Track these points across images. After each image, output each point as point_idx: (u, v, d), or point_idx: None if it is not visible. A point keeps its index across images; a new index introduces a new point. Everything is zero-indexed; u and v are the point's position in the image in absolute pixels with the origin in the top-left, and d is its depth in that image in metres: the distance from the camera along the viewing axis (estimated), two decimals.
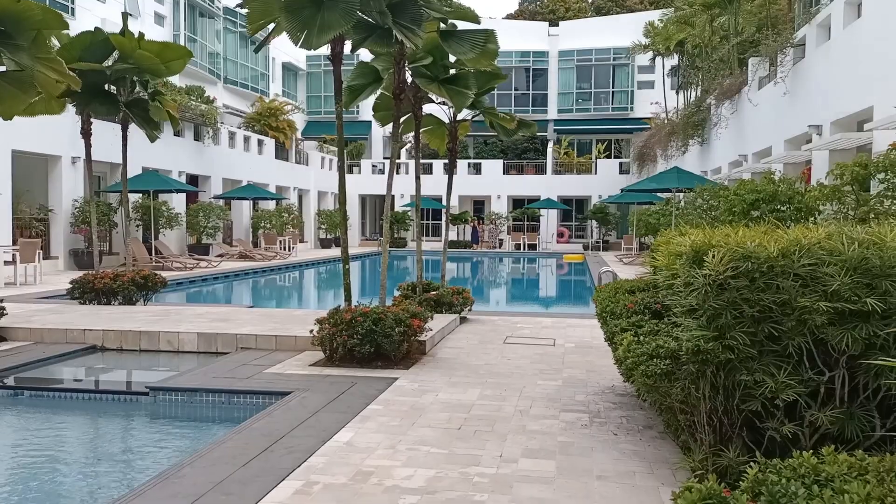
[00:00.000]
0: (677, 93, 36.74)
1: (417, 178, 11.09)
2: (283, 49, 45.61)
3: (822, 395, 3.90)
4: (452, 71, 10.32)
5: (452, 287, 11.35)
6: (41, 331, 8.98)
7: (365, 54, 10.49)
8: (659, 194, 27.91)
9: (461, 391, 6.52)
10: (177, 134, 27.43)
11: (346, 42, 8.11)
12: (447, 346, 8.87)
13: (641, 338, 4.33)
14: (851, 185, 8.60)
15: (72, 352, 8.46)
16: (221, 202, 30.47)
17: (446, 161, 46.06)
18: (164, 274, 20.20)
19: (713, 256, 3.89)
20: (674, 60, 37.21)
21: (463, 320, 11.18)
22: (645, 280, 6.27)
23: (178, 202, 26.41)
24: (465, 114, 11.53)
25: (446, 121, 11.54)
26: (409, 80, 10.14)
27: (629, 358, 4.15)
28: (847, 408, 3.84)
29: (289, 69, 47.51)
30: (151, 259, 22.27)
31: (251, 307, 12.84)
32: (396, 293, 11.38)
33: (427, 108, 11.46)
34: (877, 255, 3.73)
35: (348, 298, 8.13)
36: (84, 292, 11.59)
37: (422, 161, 45.27)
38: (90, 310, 10.95)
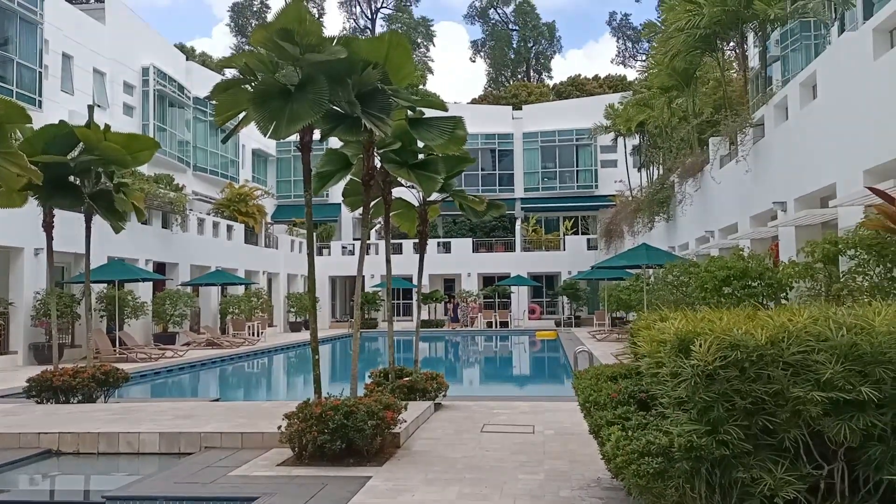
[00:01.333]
0: (639, 171, 37.69)
1: (388, 261, 10.94)
2: (253, 136, 46.11)
3: (822, 490, 3.70)
4: (421, 156, 10.35)
5: (426, 372, 11.04)
6: None
7: (334, 141, 10.55)
8: (629, 270, 28.16)
9: (439, 490, 6.17)
10: (144, 222, 27.18)
11: (314, 131, 8.08)
12: (422, 437, 8.51)
13: (630, 432, 4.12)
14: (823, 262, 8.66)
15: (24, 458, 7.92)
16: (189, 289, 29.95)
17: (416, 241, 46.05)
18: (129, 366, 19.56)
19: (700, 346, 3.74)
20: (635, 140, 38.33)
21: (438, 407, 10.83)
22: (626, 365, 6.09)
23: (144, 291, 25.85)
24: (434, 196, 11.53)
25: (416, 204, 11.50)
26: (379, 165, 10.15)
27: (619, 456, 3.93)
28: (850, 503, 3.64)
29: (259, 155, 47.89)
30: (115, 351, 21.56)
31: (217, 400, 12.33)
32: (368, 380, 11.03)
33: (397, 192, 11.44)
34: (866, 341, 3.62)
35: (318, 390, 7.80)
36: (41, 390, 11.03)
37: (391, 241, 45.42)
38: (47, 410, 10.39)
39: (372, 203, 11.41)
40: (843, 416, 3.54)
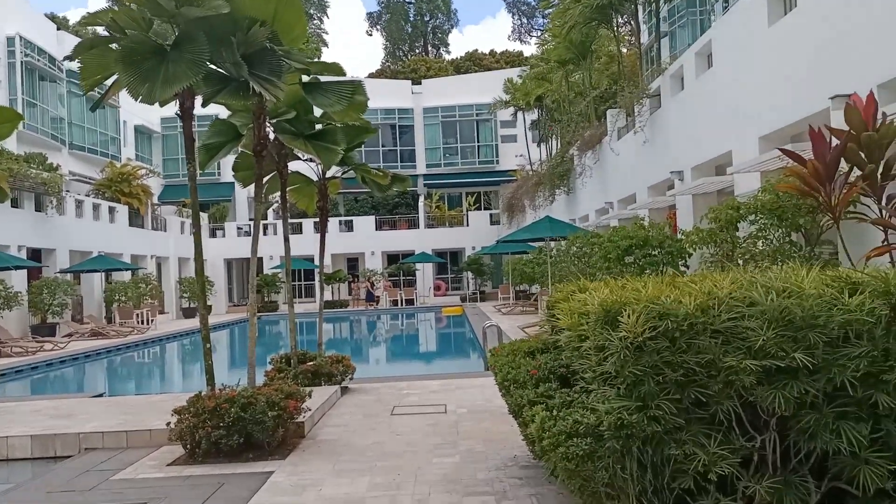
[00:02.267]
0: (539, 145, 38.11)
1: (286, 239, 10.29)
2: (135, 111, 43.34)
3: (755, 462, 3.52)
4: (319, 126, 9.72)
5: (331, 355, 10.52)
6: None
7: (224, 112, 9.75)
8: (532, 243, 28.41)
9: (348, 482, 5.73)
10: (14, 205, 24.94)
11: (196, 97, 7.33)
12: (329, 425, 8.02)
13: (555, 412, 3.81)
14: (726, 227, 8.75)
15: None
16: (69, 276, 27.86)
17: (317, 220, 44.71)
18: (3, 361, 17.92)
19: (629, 316, 3.46)
20: (534, 115, 38.64)
21: (345, 391, 10.35)
22: (542, 340, 5.83)
23: (18, 280, 23.78)
24: (334, 170, 10.93)
25: (315, 178, 10.86)
26: (272, 136, 9.46)
27: (545, 438, 3.61)
28: (782, 475, 3.48)
29: (142, 132, 45.12)
30: None
31: (101, 395, 11.34)
32: (269, 367, 10.40)
33: (293, 166, 10.78)
34: (797, 304, 3.43)
35: (211, 381, 7.15)
36: None
37: (290, 221, 44.15)
38: None
39: (266, 178, 10.69)
40: (776, 384, 3.35)
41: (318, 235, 11.06)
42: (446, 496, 5.21)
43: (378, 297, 39.82)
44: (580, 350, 4.20)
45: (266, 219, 43.70)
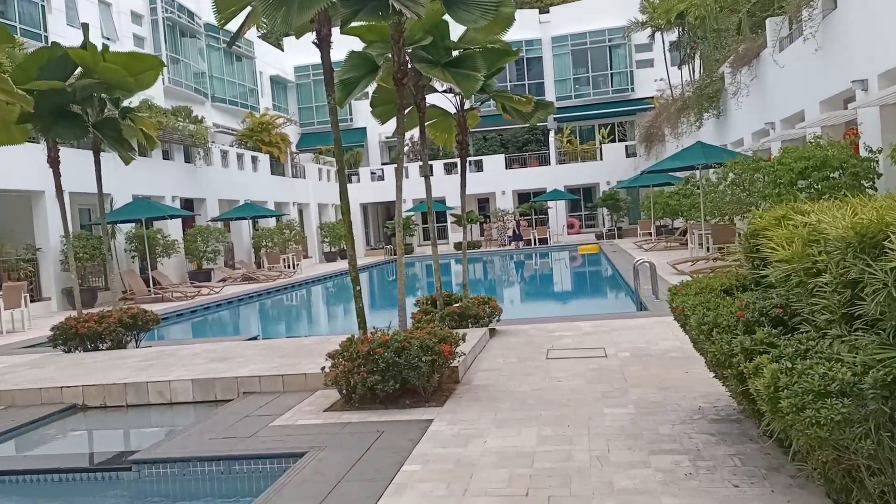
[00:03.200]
0: (680, 68, 35.40)
1: (426, 176, 9.83)
2: (269, 62, 44.50)
3: None
4: (456, 53, 9.05)
5: (476, 296, 10.07)
6: (11, 393, 7.75)
7: (356, 44, 9.30)
8: (677, 174, 26.61)
9: (514, 432, 5.25)
10: (166, 157, 26.31)
11: (332, 24, 6.86)
12: (482, 370, 7.60)
13: (788, 363, 3.05)
14: None
15: (46, 416, 7.22)
16: (220, 224, 29.30)
17: (446, 161, 44.94)
18: (164, 305, 19.07)
19: None
20: (673, 35, 35.85)
21: (492, 333, 9.91)
22: (736, 274, 4.98)
23: (174, 228, 25.21)
24: (473, 101, 10.28)
25: (452, 111, 10.26)
26: (409, 65, 8.91)
27: (786, 398, 2.87)
28: None
29: (277, 82, 46.37)
30: (150, 291, 21.10)
31: (255, 338, 11.60)
32: (415, 309, 10.13)
33: (429, 100, 10.23)
34: None
35: (363, 325, 6.87)
36: (67, 339, 10.35)
37: (423, 163, 44.05)
38: (73, 359, 9.72)
39: (405, 112, 10.23)
40: None
41: (449, 177, 10.59)
42: (629, 452, 4.60)
43: (525, 237, 39.15)
44: (807, 287, 3.38)
45: (403, 152, 43.84)
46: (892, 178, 10.98)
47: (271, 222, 33.07)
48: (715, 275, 5.72)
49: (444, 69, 8.73)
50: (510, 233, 39.36)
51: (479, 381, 7.04)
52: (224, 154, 30.61)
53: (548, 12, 48.91)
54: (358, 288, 6.96)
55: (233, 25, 7.57)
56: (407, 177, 42.18)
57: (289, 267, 30.40)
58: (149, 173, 24.40)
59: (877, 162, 11.10)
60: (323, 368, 6.48)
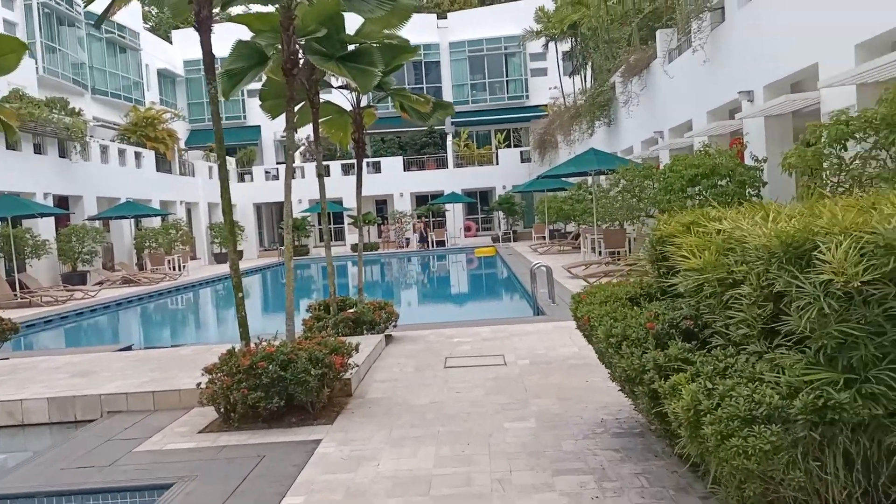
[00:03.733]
0: (571, 77, 36.27)
1: (320, 175, 9.31)
2: (158, 54, 42.23)
3: None
4: (353, 47, 8.59)
5: (372, 301, 9.63)
6: None
7: (244, 33, 8.66)
8: (570, 179, 27.10)
9: (410, 453, 4.85)
10: (38, 152, 24.25)
11: (213, 5, 6.25)
12: (377, 380, 7.17)
13: (707, 384, 2.81)
14: (832, 146, 7.52)
15: None
16: (98, 224, 27.34)
17: (344, 161, 44.16)
18: (31, 311, 17.45)
19: (832, 251, 2.41)
20: (567, 45, 36.71)
21: (388, 339, 9.50)
22: (640, 282, 4.80)
23: (45, 228, 23.25)
24: (368, 99, 9.84)
25: (349, 108, 9.77)
26: (301, 57, 8.38)
27: (710, 424, 2.61)
28: None
29: (165, 76, 44.04)
30: (15, 295, 19.28)
31: (129, 348, 10.64)
32: (306, 315, 9.58)
33: (324, 97, 9.72)
34: None
35: (245, 336, 6.29)
36: None
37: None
38: None
39: (297, 107, 9.66)
40: None
41: (346, 178, 10.10)
42: (531, 474, 4.30)
43: (429, 238, 38.91)
44: (721, 298, 3.18)
45: (295, 151, 42.58)
46: (775, 186, 11.39)
47: (156, 222, 31.26)
48: (615, 280, 5.55)
49: (340, 63, 8.25)
50: (418, 235, 39.07)
51: (374, 394, 6.60)
52: (104, 149, 28.62)
53: (445, 18, 49.05)
54: (240, 295, 6.36)
55: (99, 6, 6.82)
56: (303, 177, 41.08)
57: (174, 269, 28.80)
58: (18, 168, 22.42)
59: (761, 171, 11.51)
60: (199, 385, 5.85)
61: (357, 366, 6.69)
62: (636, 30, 22.72)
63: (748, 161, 11.90)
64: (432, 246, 38.58)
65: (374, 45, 8.59)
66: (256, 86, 9.38)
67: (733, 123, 13.23)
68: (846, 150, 7.53)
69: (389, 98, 9.64)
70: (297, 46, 7.57)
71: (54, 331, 16.11)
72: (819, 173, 7.69)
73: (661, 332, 3.63)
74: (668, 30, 17.27)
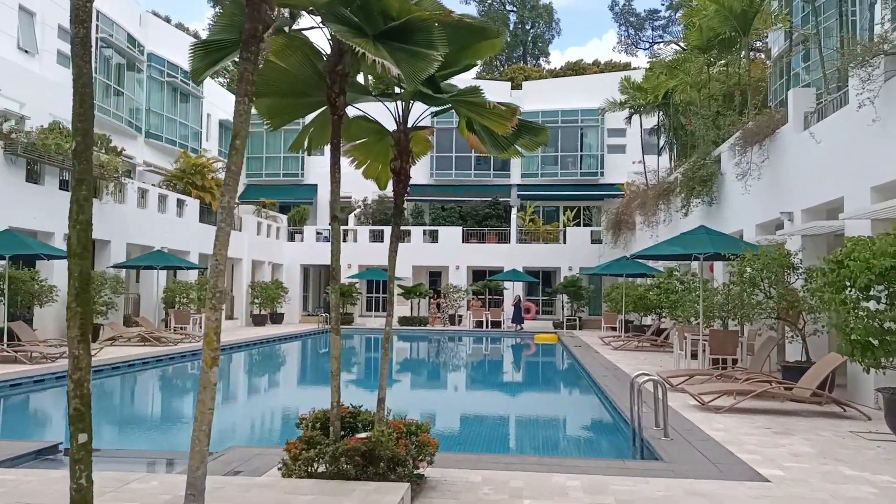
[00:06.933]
0: (659, 154, 32.99)
1: (335, 217, 6.06)
2: (221, 105, 41.05)
3: None
4: (397, 20, 5.47)
5: (398, 422, 6.16)
6: None
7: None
8: (657, 266, 23.42)
9: None
10: (64, 188, 22.09)
11: None
12: None
13: None
14: None
15: None
16: (123, 273, 24.89)
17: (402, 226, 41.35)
18: (18, 368, 14.69)
19: None
20: (652, 121, 33.62)
21: (417, 484, 5.98)
22: None
23: (58, 272, 20.78)
24: (421, 117, 6.66)
25: (391, 128, 6.59)
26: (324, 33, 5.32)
27: None
28: None
29: (227, 128, 42.74)
30: (2, 347, 16.53)
31: (52, 449, 7.36)
32: (299, 429, 6.21)
33: (354, 110, 6.63)
34: None
35: None
36: None
37: (373, 227, 40.05)
38: None
39: (311, 116, 6.57)
40: None
41: (400, 246, 6.84)
42: None
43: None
44: None
45: (346, 224, 40.24)
46: None
47: (193, 276, 28.78)
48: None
49: (379, 43, 5.14)
50: (513, 309, 35.12)
51: None
52: (143, 193, 26.46)
53: (520, 88, 46.85)
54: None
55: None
56: (354, 240, 38.48)
57: (202, 328, 25.92)
58: (37, 204, 20.23)
59: None
60: None
61: None
62: (750, 95, 19.39)
63: None
64: (483, 326, 34.92)
65: (434, 21, 5.45)
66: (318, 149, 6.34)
67: None
68: None
69: (453, 109, 6.42)
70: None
71: (13, 399, 13.10)
72: None
73: None
74: (807, 89, 13.84)
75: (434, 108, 6.38)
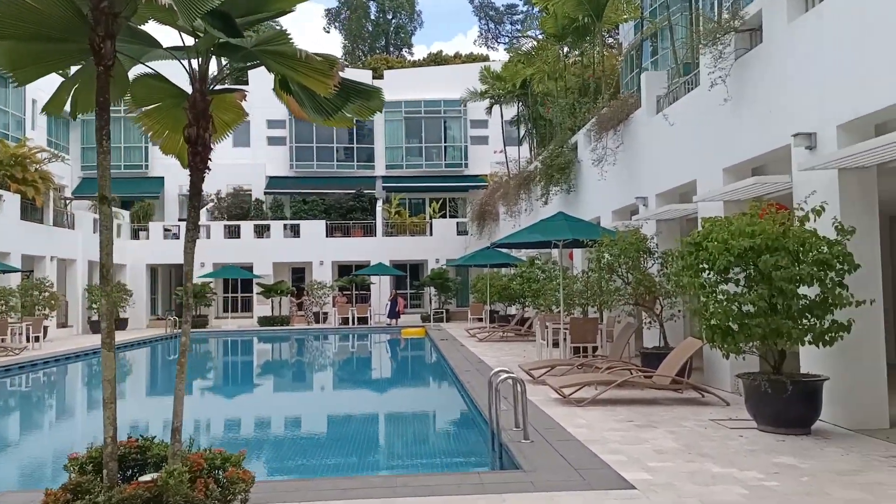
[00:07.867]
0: (520, 144, 33.03)
1: (104, 198, 4.73)
2: (47, 89, 36.90)
3: None
4: None
5: (200, 454, 4.92)
6: None
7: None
8: (519, 255, 23.17)
9: None
10: None
11: None
12: None
13: None
14: None
15: None
16: None
17: (257, 222, 39.12)
18: None
19: None
20: (513, 110, 33.60)
21: None
22: None
23: None
24: (222, 71, 5.42)
25: (188, 88, 5.31)
26: None
27: None
28: None
29: (58, 116, 38.53)
30: None
31: None
32: (69, 472, 4.82)
33: (140, 68, 5.31)
34: None
35: None
36: None
37: (228, 223, 37.44)
38: None
39: (74, 70, 5.18)
40: None
41: (259, 241, 5.65)
42: None
43: (342, 315, 34.02)
44: None
45: (199, 219, 37.31)
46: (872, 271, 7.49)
47: (14, 279, 25.49)
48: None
49: None
50: (388, 306, 33.87)
51: None
52: None
53: (382, 77, 45.74)
54: None
55: None
56: (208, 237, 35.92)
57: (29, 339, 22.84)
58: None
59: (846, 248, 7.57)
60: None
61: None
62: (603, 81, 19.38)
63: (825, 231, 7.95)
64: (349, 323, 33.68)
65: None
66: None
67: (775, 180, 9.37)
68: None
69: (263, 63, 5.23)
70: None
71: None
72: None
73: None
74: (660, 72, 13.73)
75: (239, 65, 5.17)
